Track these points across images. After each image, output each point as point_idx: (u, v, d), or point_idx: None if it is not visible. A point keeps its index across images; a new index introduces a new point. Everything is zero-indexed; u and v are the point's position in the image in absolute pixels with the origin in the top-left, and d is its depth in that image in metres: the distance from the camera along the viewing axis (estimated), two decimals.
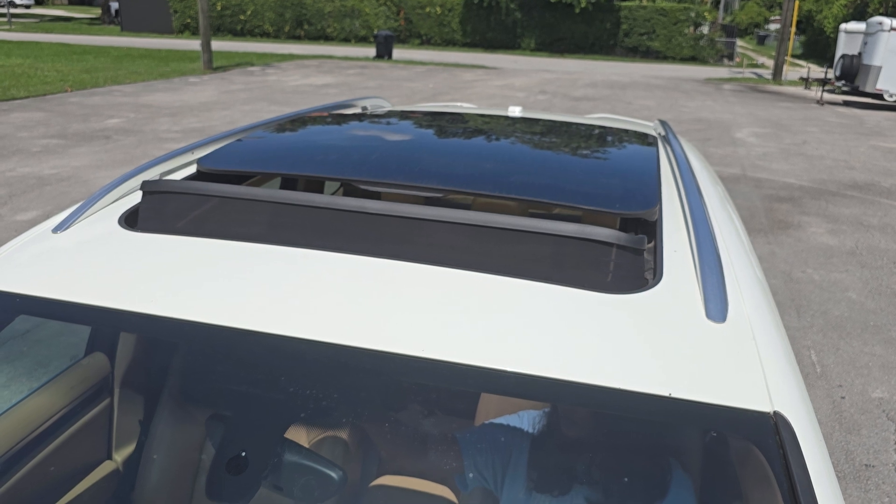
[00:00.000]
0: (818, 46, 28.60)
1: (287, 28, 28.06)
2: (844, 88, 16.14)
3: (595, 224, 1.20)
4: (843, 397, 3.51)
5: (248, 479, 1.24)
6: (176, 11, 28.49)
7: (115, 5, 32.52)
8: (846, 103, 15.44)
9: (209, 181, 1.40)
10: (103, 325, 1.30)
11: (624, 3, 25.99)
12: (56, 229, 1.32)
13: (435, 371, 0.98)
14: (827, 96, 16.20)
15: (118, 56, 19.04)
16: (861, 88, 15.30)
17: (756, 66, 24.88)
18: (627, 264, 1.15)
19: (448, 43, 27.53)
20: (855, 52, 16.01)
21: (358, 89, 14.69)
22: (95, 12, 41.79)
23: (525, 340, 1.00)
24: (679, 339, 1.01)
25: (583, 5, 25.01)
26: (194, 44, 22.40)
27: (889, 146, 10.52)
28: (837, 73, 16.28)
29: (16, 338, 1.51)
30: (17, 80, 13.49)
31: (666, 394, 0.93)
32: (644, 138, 2.05)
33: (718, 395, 0.93)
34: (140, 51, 20.90)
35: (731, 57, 26.24)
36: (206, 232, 1.27)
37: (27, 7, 46.02)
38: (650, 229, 1.41)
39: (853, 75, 15.78)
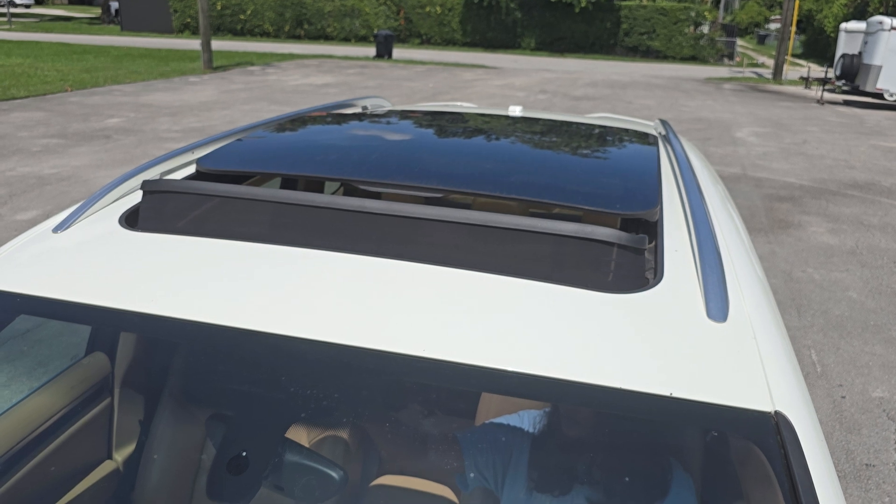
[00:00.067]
0: (818, 46, 28.59)
1: (287, 28, 28.06)
2: (845, 88, 16.14)
3: (596, 224, 1.20)
4: (843, 397, 3.51)
5: (248, 479, 1.24)
6: (176, 11, 28.49)
7: (115, 5, 32.52)
8: (846, 103, 15.43)
9: (209, 181, 1.40)
10: (104, 324, 1.30)
11: (624, 3, 25.98)
12: (56, 229, 1.32)
13: (436, 371, 0.98)
14: (827, 96, 16.19)
15: (118, 56, 19.03)
16: (861, 88, 15.30)
17: (756, 65, 24.88)
18: (628, 264, 1.15)
19: (448, 42, 27.53)
20: (855, 51, 16.01)
21: (358, 89, 14.69)
22: (95, 12, 41.80)
23: (526, 340, 1.00)
24: (680, 339, 1.01)
25: (583, 5, 25.01)
26: (194, 43, 22.40)
27: (889, 145, 10.52)
28: (838, 73, 16.28)
29: (16, 337, 1.51)
30: (17, 79, 13.49)
31: (667, 393, 0.93)
32: (645, 138, 2.05)
33: (719, 394, 0.93)
34: (140, 50, 20.90)
35: (731, 56, 26.23)
36: (207, 232, 1.27)
37: (27, 7, 46.02)
38: (651, 229, 1.41)
39: (853, 75, 15.78)
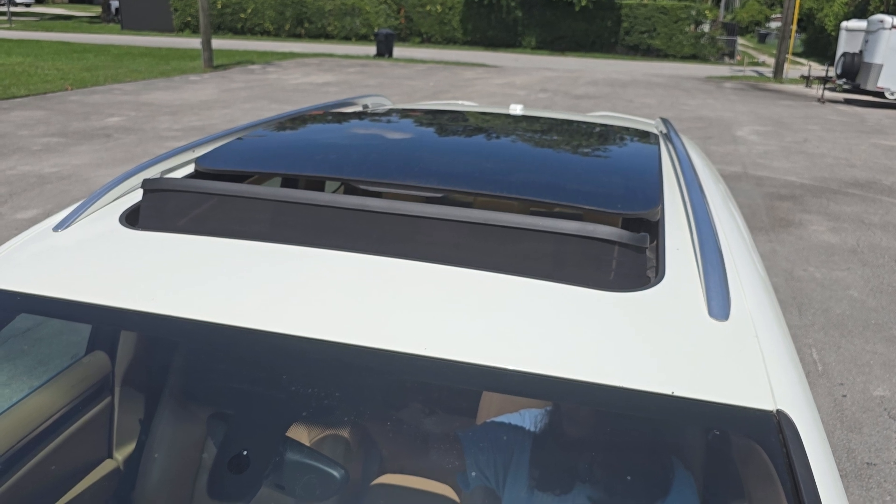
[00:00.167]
0: (819, 44, 28.57)
1: (287, 26, 28.05)
2: (845, 86, 16.13)
3: (597, 223, 1.20)
4: (844, 395, 3.50)
5: (249, 478, 1.24)
6: (176, 10, 28.48)
7: (115, 3, 32.52)
8: (847, 101, 15.42)
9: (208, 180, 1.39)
10: (104, 323, 1.30)
11: (625, 2, 25.96)
12: (57, 228, 1.32)
13: (437, 369, 0.98)
14: (828, 94, 16.18)
15: (118, 54, 19.03)
16: (862, 86, 15.30)
17: (757, 64, 24.86)
18: (630, 262, 1.14)
19: (449, 41, 27.51)
20: (856, 50, 16.00)
21: (359, 87, 14.69)
22: (96, 11, 41.78)
23: (527, 339, 1.00)
24: (682, 338, 1.01)
25: (583, 3, 24.99)
26: (195, 42, 22.40)
27: (890, 144, 10.51)
28: (838, 72, 16.27)
29: (16, 336, 1.51)
30: (17, 78, 13.49)
31: (668, 392, 0.92)
32: (646, 136, 2.05)
33: (721, 393, 0.93)
34: (140, 49, 20.89)
35: (731, 55, 26.21)
36: (207, 230, 1.26)
37: (27, 5, 46.02)
38: (652, 227, 1.41)
39: (854, 73, 15.77)
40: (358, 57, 21.77)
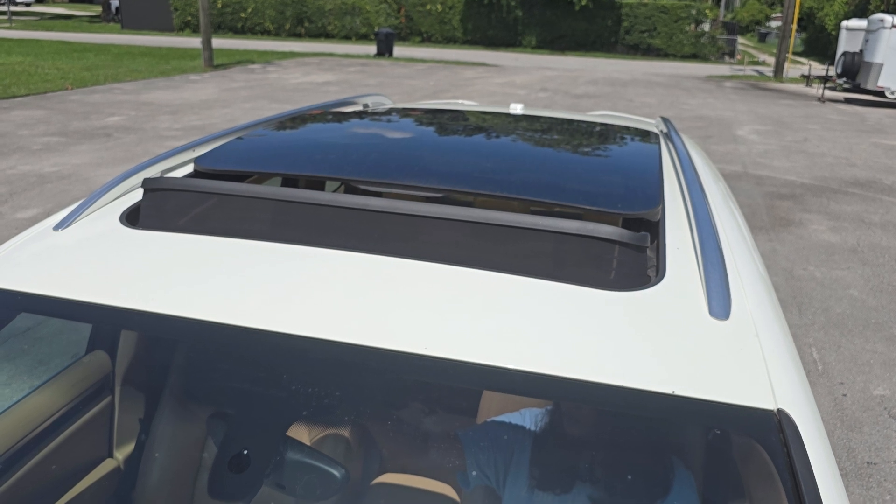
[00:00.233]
0: (819, 44, 28.55)
1: (288, 26, 28.04)
2: (846, 86, 16.13)
3: (598, 223, 1.20)
4: (844, 395, 3.50)
5: (249, 478, 1.24)
6: (176, 9, 28.47)
7: (115, 3, 32.50)
8: (847, 100, 15.41)
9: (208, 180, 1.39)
10: (104, 322, 1.30)
11: (625, 1, 25.95)
12: (57, 227, 1.32)
13: (437, 368, 0.98)
14: (828, 94, 16.17)
15: (119, 54, 19.03)
16: (862, 86, 15.29)
17: (757, 63, 24.85)
18: (630, 261, 1.14)
19: (449, 40, 27.51)
20: (856, 49, 15.99)
21: (359, 87, 14.68)
22: (96, 10, 41.77)
23: (528, 338, 1.00)
24: (682, 337, 1.01)
25: (583, 3, 24.97)
26: (195, 41, 22.39)
27: (890, 143, 10.51)
28: (839, 71, 16.26)
29: (17, 336, 1.51)
30: (17, 77, 13.48)
31: (669, 391, 0.92)
32: (646, 136, 2.05)
33: (722, 392, 0.93)
34: (140, 48, 20.89)
35: (732, 54, 26.20)
36: (208, 229, 1.26)
37: (27, 5, 46.01)
38: (653, 227, 1.41)
39: (854, 72, 15.77)
40: (358, 56, 21.77)
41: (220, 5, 27.84)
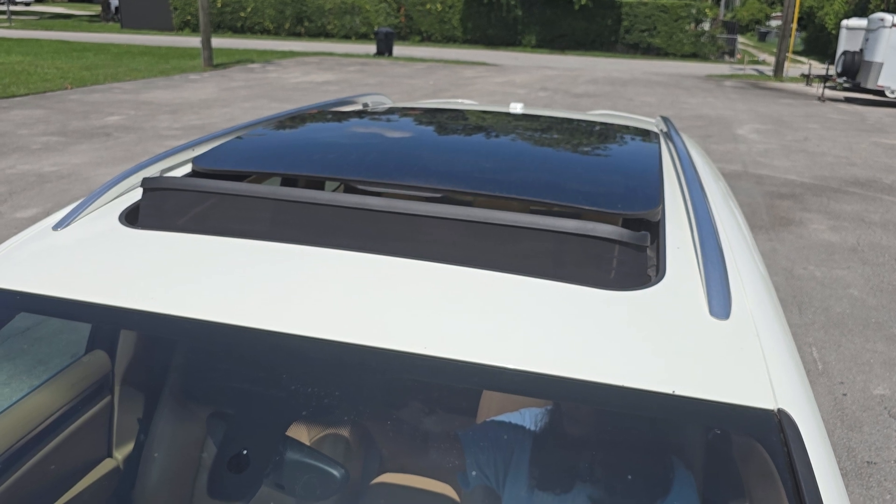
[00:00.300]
0: (819, 43, 28.54)
1: (287, 25, 28.03)
2: (846, 85, 16.12)
3: (598, 222, 1.20)
4: (844, 394, 3.50)
5: (249, 478, 1.24)
6: (176, 8, 28.46)
7: (114, 2, 32.49)
8: (847, 100, 15.41)
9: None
10: (104, 322, 1.29)
11: (625, 0, 25.95)
12: (56, 227, 1.32)
13: (437, 368, 0.97)
14: (828, 93, 16.17)
15: (118, 53, 19.02)
16: (862, 85, 15.28)
17: (757, 62, 24.84)
18: (630, 261, 1.14)
19: (449, 40, 27.50)
20: (856, 48, 15.98)
21: (359, 86, 14.68)
22: (95, 9, 41.76)
23: (527, 337, 1.00)
24: (682, 337, 1.01)
25: (583, 2, 24.96)
26: (194, 41, 22.38)
27: (891, 143, 10.50)
28: (839, 70, 16.26)
29: (16, 335, 1.51)
30: (17, 77, 13.48)
31: (669, 391, 0.92)
32: (646, 135, 2.04)
33: (722, 392, 0.93)
34: (140, 48, 20.88)
35: (732, 54, 26.19)
36: (207, 229, 1.26)
37: (27, 4, 46.00)
38: (653, 226, 1.41)
39: (854, 72, 15.76)
40: (358, 55, 21.76)
41: (219, 5, 27.83)
